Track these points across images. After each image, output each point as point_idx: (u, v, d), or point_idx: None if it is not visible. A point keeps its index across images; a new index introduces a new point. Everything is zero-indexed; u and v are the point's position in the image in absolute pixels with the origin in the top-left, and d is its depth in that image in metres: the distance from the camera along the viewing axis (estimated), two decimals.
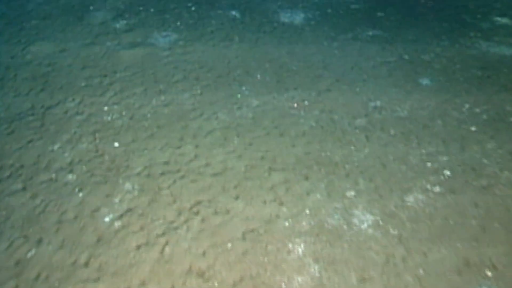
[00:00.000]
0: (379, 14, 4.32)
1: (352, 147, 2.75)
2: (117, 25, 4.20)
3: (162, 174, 2.62)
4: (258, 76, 3.43)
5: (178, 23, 4.21)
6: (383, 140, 2.79)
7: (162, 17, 4.31)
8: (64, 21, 4.29)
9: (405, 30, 4.04)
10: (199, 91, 3.30)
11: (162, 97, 3.25)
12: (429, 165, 2.58)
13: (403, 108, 3.06)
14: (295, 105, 3.68)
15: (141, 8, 4.48)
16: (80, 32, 4.10)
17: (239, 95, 3.24)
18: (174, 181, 2.57)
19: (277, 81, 3.38)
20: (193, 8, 4.47)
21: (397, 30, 4.03)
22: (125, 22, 4.24)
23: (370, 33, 3.99)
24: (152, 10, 4.45)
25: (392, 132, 2.85)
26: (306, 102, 3.16)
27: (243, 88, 3.32)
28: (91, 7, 4.52)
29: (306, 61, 3.61)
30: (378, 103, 3.12)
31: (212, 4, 4.55)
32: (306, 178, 2.55)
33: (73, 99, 3.27)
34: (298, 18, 4.24)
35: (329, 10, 4.39)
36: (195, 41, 3.92)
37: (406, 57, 3.65)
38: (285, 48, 3.80)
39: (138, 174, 2.64)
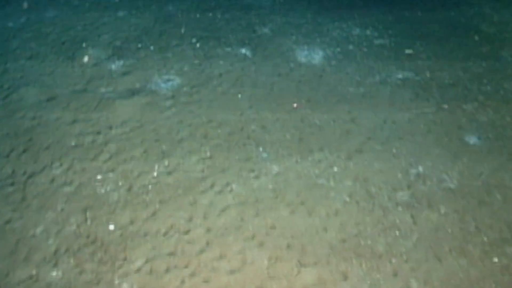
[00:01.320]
0: (408, 51, 3.91)
1: (397, 232, 2.31)
2: (113, 66, 3.78)
3: (167, 270, 2.18)
4: (277, 133, 3.00)
5: (182, 64, 3.79)
6: (432, 222, 2.35)
7: (164, 56, 3.89)
8: (53, 61, 3.87)
9: (440, 72, 3.62)
10: (208, 154, 2.86)
11: (166, 162, 2.81)
12: (496, 260, 2.13)
13: (452, 177, 2.62)
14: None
15: (139, 45, 4.07)
16: (70, 75, 3.69)
17: (255, 159, 2.80)
18: (182, 281, 2.13)
19: (299, 140, 2.94)
20: (198, 45, 4.06)
21: (430, 72, 3.62)
22: (121, 62, 3.83)
23: (400, 75, 3.57)
24: (151, 47, 4.03)
25: (442, 210, 2.41)
26: (335, 169, 2.72)
27: (260, 149, 2.89)
28: (84, 44, 4.11)
29: (330, 112, 3.19)
30: (421, 169, 2.68)
31: (219, 40, 4.14)
32: (345, 278, 2.10)
33: (61, 164, 2.84)
34: (317, 57, 3.83)
35: (351, 47, 3.98)
36: (201, 87, 3.50)
37: (445, 106, 3.23)
38: (304, 95, 3.38)
39: (138, 270, 2.19)
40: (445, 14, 4.56)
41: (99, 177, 2.75)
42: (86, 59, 3.90)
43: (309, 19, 4.54)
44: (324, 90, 3.45)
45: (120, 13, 4.70)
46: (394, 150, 2.86)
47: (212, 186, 2.64)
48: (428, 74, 3.60)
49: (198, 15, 4.63)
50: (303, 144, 2.94)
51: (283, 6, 4.82)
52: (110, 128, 3.12)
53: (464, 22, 4.38)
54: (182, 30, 4.35)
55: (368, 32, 4.26)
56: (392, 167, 2.73)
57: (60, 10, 4.78)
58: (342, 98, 3.36)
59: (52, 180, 2.73)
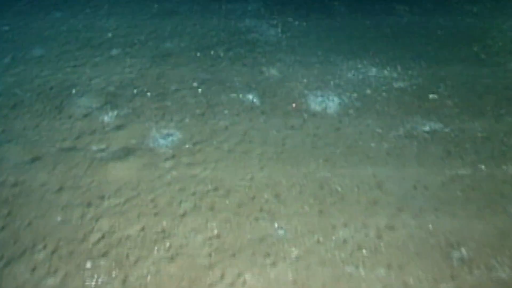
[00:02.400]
0: (431, 96, 3.59)
1: None
2: (105, 118, 3.43)
3: None
4: (293, 203, 2.66)
5: (182, 115, 3.44)
6: None
7: (162, 105, 3.55)
8: (39, 111, 3.52)
9: (470, 122, 3.29)
10: (215, 232, 2.50)
11: (167, 243, 2.45)
12: None
13: (502, 263, 2.26)
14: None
15: (135, 91, 3.72)
16: (58, 130, 3.33)
17: (271, 239, 2.44)
18: None
19: (319, 212, 2.59)
20: (199, 90, 3.72)
21: (460, 122, 3.28)
22: (115, 113, 3.48)
23: (427, 127, 3.24)
24: (148, 94, 3.69)
25: None
26: (364, 252, 2.35)
27: (275, 225, 2.53)
28: (74, 90, 3.76)
29: (352, 175, 2.84)
30: (464, 251, 2.33)
31: (223, 83, 3.81)
32: None
33: (45, 246, 2.47)
34: (332, 104, 3.49)
35: (368, 91, 3.65)
36: (205, 143, 3.15)
37: (482, 167, 2.89)
38: (322, 153, 3.03)
39: None
40: (468, 51, 4.25)
41: (89, 264, 2.38)
42: (75, 109, 3.55)
43: (320, 57, 4.22)
44: (343, 146, 3.11)
45: (114, 51, 4.37)
46: (430, 226, 2.50)
47: (222, 276, 2.27)
48: (457, 125, 3.27)
49: (198, 54, 4.31)
50: (324, 218, 2.58)
51: (290, 42, 4.51)
52: (102, 198, 2.76)
53: (491, 62, 4.06)
54: (182, 72, 4.02)
55: (386, 72, 3.94)
56: (431, 249, 2.37)
57: (48, 48, 4.46)
58: (364, 156, 3.02)
59: (34, 269, 2.36)
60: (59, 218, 2.66)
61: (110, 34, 4.77)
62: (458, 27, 4.70)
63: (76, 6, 5.42)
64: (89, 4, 5.49)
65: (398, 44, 4.42)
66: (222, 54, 4.30)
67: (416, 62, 4.11)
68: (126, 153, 3.12)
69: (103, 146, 3.21)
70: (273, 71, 4.01)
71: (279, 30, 4.76)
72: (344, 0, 5.38)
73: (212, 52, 4.34)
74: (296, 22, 4.92)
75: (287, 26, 4.84)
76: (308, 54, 4.28)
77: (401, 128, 3.29)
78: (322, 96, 3.65)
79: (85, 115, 3.51)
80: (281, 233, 2.52)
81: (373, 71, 3.98)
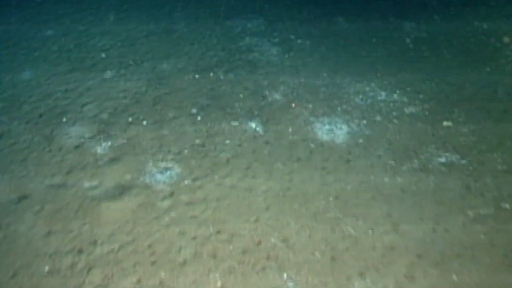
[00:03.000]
0: (446, 123, 3.40)
1: None
2: (98, 150, 3.22)
3: None
4: (303, 250, 2.47)
5: (181, 145, 3.23)
6: None
7: (159, 135, 3.34)
8: (27, 142, 3.30)
9: (489, 153, 3.10)
10: (219, 284, 2.31)
11: None
12: None
13: None
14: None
15: (130, 119, 3.52)
16: (47, 164, 3.12)
17: None
18: None
19: (331, 260, 2.38)
20: (198, 117, 3.52)
21: (478, 153, 3.09)
22: (109, 144, 3.27)
23: (443, 159, 3.04)
24: (144, 122, 3.49)
25: None
26: None
27: (284, 275, 2.32)
28: (64, 118, 3.55)
29: (366, 216, 2.64)
30: None
31: (223, 109, 3.60)
32: None
33: None
34: (341, 133, 3.29)
35: (378, 117, 3.45)
36: (205, 178, 2.94)
37: (506, 206, 2.69)
38: (332, 190, 2.82)
39: None
40: (480, 71, 4.07)
41: None
42: (66, 139, 3.34)
43: (326, 79, 4.03)
44: (355, 181, 2.90)
45: (108, 74, 4.17)
46: (454, 277, 2.30)
47: None
48: (476, 157, 3.07)
49: (197, 76, 4.11)
50: (337, 267, 2.37)
51: (293, 62, 4.31)
52: (95, 244, 2.54)
53: (507, 82, 3.88)
54: (180, 97, 3.81)
55: (395, 96, 3.75)
56: None
57: (38, 71, 4.25)
58: (378, 193, 2.81)
59: None
60: (46, 268, 2.45)
61: (103, 54, 4.57)
62: (469, 45, 4.52)
63: (68, 23, 5.23)
64: (81, 21, 5.30)
65: (406, 64, 4.24)
66: (222, 77, 4.10)
67: (427, 85, 3.92)
68: (121, 191, 2.90)
69: (95, 182, 2.99)
70: (277, 95, 3.81)
71: (281, 49, 4.57)
72: (348, 16, 5.20)
73: (211, 74, 4.14)
74: (299, 40, 4.73)
75: (289, 44, 4.65)
76: (312, 76, 4.09)
77: (416, 160, 3.09)
78: (329, 123, 3.45)
79: (77, 147, 3.30)
80: (290, 285, 2.31)
81: (382, 95, 3.79)
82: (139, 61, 4.43)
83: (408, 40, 4.66)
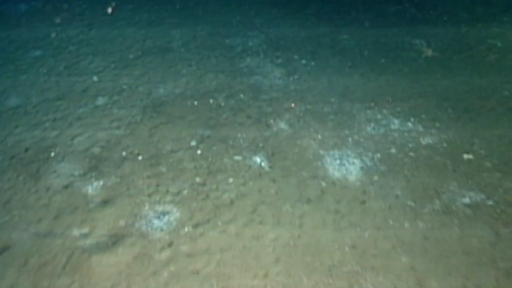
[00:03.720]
0: (466, 156, 3.16)
1: None
2: (89, 190, 2.96)
3: None
4: None
5: (180, 185, 2.97)
6: None
7: (156, 172, 3.07)
8: (12, 181, 3.04)
9: None
10: None
11: None
12: None
13: None
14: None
15: (124, 153, 3.25)
16: (33, 207, 2.86)
17: None
18: None
19: None
20: (199, 151, 3.26)
21: (505, 192, 2.86)
22: (101, 183, 3.01)
23: (467, 199, 2.80)
24: (140, 157, 3.22)
25: None
26: None
27: None
28: (52, 153, 3.29)
29: (387, 270, 2.38)
30: None
31: (225, 141, 3.35)
32: None
33: None
34: (354, 169, 3.04)
35: (393, 150, 3.21)
36: (207, 224, 2.68)
37: None
38: (347, 237, 2.57)
39: None
40: (499, 95, 3.83)
41: None
42: (54, 178, 3.07)
43: (334, 105, 3.78)
44: (372, 227, 2.65)
45: (100, 100, 3.91)
46: None
47: None
48: (502, 196, 2.83)
49: (196, 102, 3.86)
50: None
51: (298, 86, 4.06)
52: None
53: None
54: (178, 127, 3.55)
55: (410, 125, 3.51)
56: None
57: (25, 96, 3.98)
58: (398, 241, 2.56)
59: None
60: None
61: (95, 78, 4.30)
62: (483, 66, 4.30)
63: (57, 43, 4.96)
64: (72, 40, 5.04)
65: (419, 87, 4.01)
66: (222, 103, 3.84)
67: (443, 111, 3.68)
68: (114, 240, 2.63)
69: (86, 229, 2.72)
70: (282, 125, 3.56)
71: (285, 71, 4.33)
72: (353, 34, 4.97)
73: (211, 101, 3.89)
74: (303, 61, 4.49)
75: (293, 65, 4.41)
76: (319, 102, 3.84)
77: (437, 201, 2.84)
78: (340, 157, 3.20)
79: (66, 187, 3.03)
80: None
81: (395, 123, 3.54)
82: (133, 85, 4.17)
83: (419, 60, 4.43)
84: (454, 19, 5.21)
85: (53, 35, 5.18)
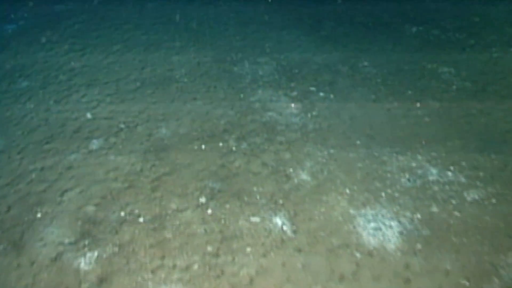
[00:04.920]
0: None
1: None
2: (82, 264, 2.55)
3: None
4: None
5: (188, 258, 2.52)
6: None
7: (160, 239, 2.64)
8: None
9: None
10: None
11: None
12: None
13: None
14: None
15: (122, 214, 2.82)
16: (14, 287, 2.39)
17: None
18: None
19: None
20: (209, 211, 2.83)
21: None
22: (95, 254, 2.58)
23: None
24: (141, 219, 2.79)
25: None
26: None
27: None
28: (39, 213, 2.87)
29: None
30: None
31: (239, 197, 2.91)
32: None
33: None
34: (391, 234, 2.61)
35: (435, 209, 2.79)
36: None
37: None
38: None
39: None
40: None
41: None
42: (40, 247, 2.61)
43: (360, 149, 3.34)
44: None
45: (94, 144, 3.47)
46: None
47: None
48: None
49: (203, 146, 3.42)
50: None
51: (318, 124, 3.64)
52: None
53: None
54: (184, 178, 3.11)
55: (450, 175, 3.08)
56: None
57: (8, 139, 3.54)
58: None
59: None
60: None
61: (89, 115, 3.86)
62: None
63: (47, 72, 4.52)
64: (62, 68, 4.60)
65: (454, 126, 3.59)
66: (234, 147, 3.41)
67: (485, 157, 3.26)
68: None
69: None
70: (303, 175, 3.12)
71: (302, 106, 3.90)
72: (373, 59, 4.55)
73: (220, 144, 3.45)
74: (321, 94, 4.06)
75: (311, 99, 3.99)
76: (344, 145, 3.41)
77: (495, 279, 2.41)
78: (374, 218, 2.76)
79: (54, 260, 2.59)
80: None
81: (433, 173, 3.11)
82: (132, 124, 3.72)
83: (450, 92, 4.01)
84: (482, 43, 4.80)
85: (42, 61, 4.74)
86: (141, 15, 5.99)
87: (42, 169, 3.31)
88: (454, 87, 4.16)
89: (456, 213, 2.85)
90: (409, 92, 4.09)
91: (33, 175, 3.25)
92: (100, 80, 4.44)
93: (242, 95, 4.08)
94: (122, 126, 3.75)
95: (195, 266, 2.56)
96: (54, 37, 5.37)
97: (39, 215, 2.92)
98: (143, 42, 5.17)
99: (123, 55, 4.88)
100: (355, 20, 5.55)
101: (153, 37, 5.30)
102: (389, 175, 3.16)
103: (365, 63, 4.57)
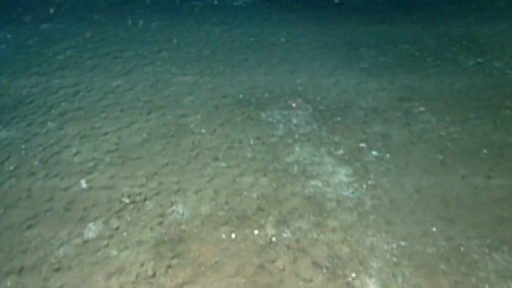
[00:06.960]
0: None
1: None
2: None
3: None
4: None
5: None
6: None
7: None
8: None
9: None
10: None
11: None
12: None
13: None
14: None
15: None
16: None
17: None
18: None
19: None
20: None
21: None
22: None
23: None
24: None
25: None
26: None
27: None
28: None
29: None
30: None
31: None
32: None
33: None
34: None
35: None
36: None
37: None
38: None
39: None
40: None
41: None
42: None
43: (440, 241, 2.60)
44: None
45: (91, 231, 2.75)
46: None
47: None
48: None
49: (233, 235, 2.66)
50: None
51: (378, 201, 2.89)
52: None
53: None
54: None
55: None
56: None
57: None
58: None
59: None
60: None
61: (83, 183, 3.08)
62: None
63: (32, 117, 3.72)
64: (51, 111, 3.79)
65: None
66: (274, 237, 2.61)
67: None
68: None
69: None
70: (371, 284, 2.31)
71: (353, 171, 3.11)
72: (432, 104, 3.77)
73: (256, 232, 2.65)
74: (374, 152, 3.27)
75: (362, 160, 3.22)
76: (416, 235, 2.64)
77: None
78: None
79: None
80: None
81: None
82: (138, 197, 2.93)
83: None
84: None
85: (27, 101, 3.94)
86: (144, 38, 5.19)
87: (20, 271, 2.51)
88: None
89: None
90: (485, 151, 3.30)
91: (8, 283, 2.44)
92: (97, 129, 3.64)
93: (275, 155, 3.28)
94: (126, 200, 2.95)
95: None
96: (42, 67, 4.56)
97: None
98: (147, 76, 4.36)
99: (125, 94, 4.08)
100: (398, 48, 4.76)
101: (159, 69, 4.50)
102: (486, 285, 2.35)
103: (421, 108, 3.78)
